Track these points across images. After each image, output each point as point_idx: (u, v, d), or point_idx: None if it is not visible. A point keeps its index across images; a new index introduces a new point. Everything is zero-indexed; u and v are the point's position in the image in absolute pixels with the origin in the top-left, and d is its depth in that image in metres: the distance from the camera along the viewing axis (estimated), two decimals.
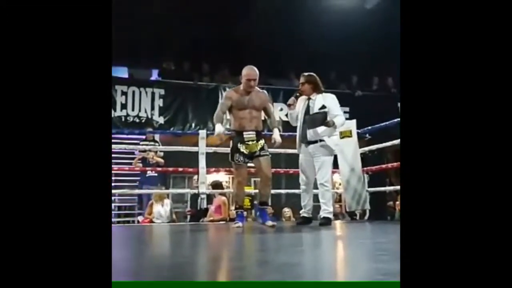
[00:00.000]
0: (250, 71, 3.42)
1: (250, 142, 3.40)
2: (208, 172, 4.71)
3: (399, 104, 8.08)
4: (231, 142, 3.47)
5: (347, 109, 7.92)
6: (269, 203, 3.36)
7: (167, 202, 5.71)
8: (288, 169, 5.37)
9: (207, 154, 4.57)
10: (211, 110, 7.48)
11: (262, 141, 3.45)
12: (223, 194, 5.62)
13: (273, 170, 4.93)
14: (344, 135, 4.59)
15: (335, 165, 5.40)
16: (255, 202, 6.88)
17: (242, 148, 3.39)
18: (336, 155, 4.81)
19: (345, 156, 4.67)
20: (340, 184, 5.33)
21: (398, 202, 6.72)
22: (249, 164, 3.51)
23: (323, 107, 3.53)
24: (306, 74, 3.69)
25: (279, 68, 8.57)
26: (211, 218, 5.36)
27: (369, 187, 4.79)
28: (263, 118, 3.56)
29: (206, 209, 5.49)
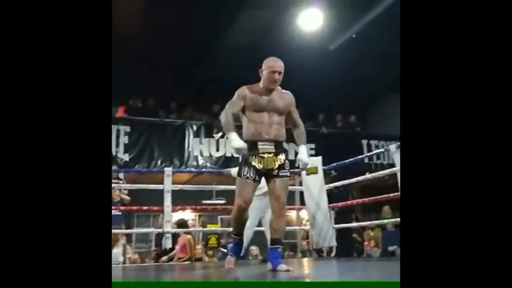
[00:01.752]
0: (274, 62, 2.68)
1: (266, 155, 2.61)
2: (173, 210, 4.61)
3: (363, 141, 8.26)
4: (240, 157, 2.69)
5: (313, 145, 8.03)
6: (282, 241, 2.63)
7: (122, 243, 5.51)
8: None
9: (173, 191, 4.49)
10: (178, 147, 7.54)
11: (282, 156, 2.65)
12: (189, 233, 5.51)
13: None
14: (310, 171, 4.63)
15: (302, 201, 5.43)
16: (222, 240, 6.77)
17: (254, 162, 2.59)
18: (303, 192, 4.85)
19: (311, 192, 4.70)
20: (307, 221, 5.33)
21: (366, 243, 6.75)
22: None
23: None
24: None
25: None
26: (177, 258, 5.22)
27: (335, 223, 4.80)
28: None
29: (171, 249, 5.35)
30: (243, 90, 2.70)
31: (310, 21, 7.04)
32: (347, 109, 8.73)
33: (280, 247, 2.64)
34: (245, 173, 2.60)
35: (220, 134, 7.43)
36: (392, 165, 4.20)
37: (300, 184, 5.16)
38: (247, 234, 3.63)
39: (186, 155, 7.22)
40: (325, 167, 4.85)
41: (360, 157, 4.49)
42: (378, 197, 4.36)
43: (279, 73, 2.65)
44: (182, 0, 6.27)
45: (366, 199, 4.72)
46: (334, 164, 5.05)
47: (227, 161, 7.40)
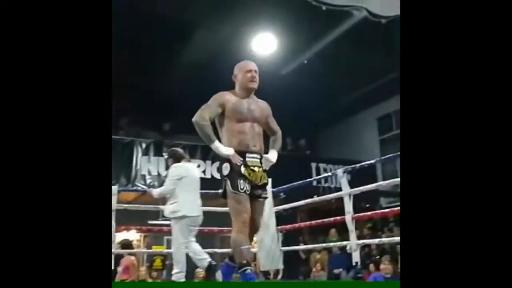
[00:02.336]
0: (246, 62, 2.59)
1: (256, 169, 2.43)
2: (117, 230, 4.44)
3: (312, 164, 8.39)
4: (226, 166, 2.43)
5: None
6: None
7: None
8: (203, 227, 5.25)
9: (118, 211, 4.33)
10: (125, 165, 7.31)
11: (266, 175, 2.52)
12: (133, 254, 5.31)
13: None
14: None
15: None
16: (167, 262, 6.58)
17: (247, 173, 2.39)
18: None
19: None
20: (255, 243, 5.30)
21: (314, 269, 6.78)
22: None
23: None
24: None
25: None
26: (119, 280, 5.00)
27: (283, 246, 4.80)
28: None
29: (114, 270, 5.13)
30: (222, 96, 2.50)
31: (264, 45, 7.16)
32: (297, 132, 8.87)
33: (248, 268, 2.32)
34: (242, 186, 2.35)
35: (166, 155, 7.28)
36: (339, 189, 4.28)
37: None
38: (181, 258, 3.58)
39: (133, 173, 7.02)
40: (274, 190, 4.87)
41: (308, 180, 4.54)
42: (325, 220, 4.42)
43: (255, 71, 2.53)
44: (137, 16, 6.19)
45: (313, 222, 4.77)
46: (284, 186, 5.09)
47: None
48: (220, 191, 2.50)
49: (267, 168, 2.55)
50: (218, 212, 5.24)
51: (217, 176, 9.25)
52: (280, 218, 4.91)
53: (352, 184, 3.94)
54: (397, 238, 4.75)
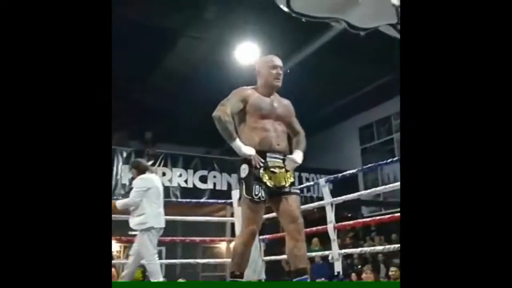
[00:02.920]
0: (272, 57, 2.40)
1: (277, 170, 2.23)
2: None
3: (294, 173, 8.41)
4: (245, 168, 2.22)
5: None
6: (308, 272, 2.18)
7: None
8: (184, 237, 5.19)
9: None
10: None
11: (292, 174, 2.32)
12: (112, 265, 5.21)
13: (168, 238, 4.73)
14: None
15: (233, 233, 5.36)
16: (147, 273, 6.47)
17: (265, 178, 2.19)
18: (233, 223, 4.79)
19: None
20: None
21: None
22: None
23: None
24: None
25: (178, 133, 8.56)
26: None
27: (265, 255, 4.78)
28: None
29: None
30: (244, 90, 2.34)
31: (247, 55, 7.18)
32: None
33: (308, 277, 2.17)
34: (256, 193, 2.14)
35: (151, 162, 7.23)
36: (321, 198, 4.29)
37: (232, 215, 5.11)
38: (156, 268, 3.57)
39: (114, 182, 6.92)
40: None
41: None
42: (307, 229, 4.41)
43: (281, 67, 2.37)
44: (119, 24, 6.15)
45: None
46: None
47: None
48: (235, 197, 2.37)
49: (290, 170, 2.32)
50: (199, 222, 5.20)
51: (199, 185, 9.23)
52: (263, 227, 4.89)
53: (334, 193, 3.96)
54: (379, 248, 4.78)
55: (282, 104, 2.39)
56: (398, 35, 1.61)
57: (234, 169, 8.18)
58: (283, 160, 2.28)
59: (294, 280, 2.18)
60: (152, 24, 6.17)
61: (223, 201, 5.33)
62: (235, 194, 4.66)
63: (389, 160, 4.10)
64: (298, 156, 2.36)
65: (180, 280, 6.10)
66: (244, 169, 2.22)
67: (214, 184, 7.77)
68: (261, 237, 4.72)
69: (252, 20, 6.14)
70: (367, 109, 9.03)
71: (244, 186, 2.19)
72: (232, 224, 5.08)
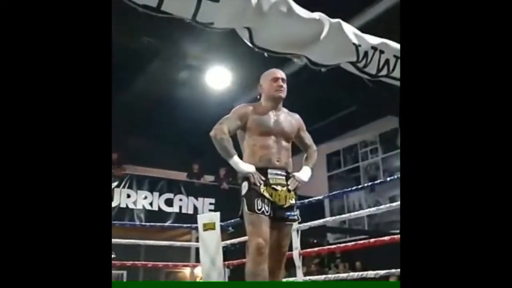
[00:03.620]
0: (273, 70, 2.38)
1: (279, 188, 2.17)
2: None
3: None
4: (245, 186, 2.18)
5: (212, 200, 7.96)
6: None
7: None
8: (146, 261, 5.06)
9: None
10: None
11: (294, 195, 2.24)
12: None
13: (130, 262, 4.60)
14: (208, 227, 4.55)
15: (197, 258, 5.26)
16: None
17: (267, 193, 2.13)
18: (198, 248, 4.71)
19: (207, 249, 4.59)
20: (200, 279, 5.16)
21: None
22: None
23: None
24: None
25: (145, 155, 8.44)
26: None
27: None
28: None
29: None
30: (244, 108, 2.31)
31: (218, 79, 7.23)
32: None
33: None
34: (259, 207, 2.08)
35: (116, 183, 7.08)
36: None
37: (197, 240, 5.04)
38: None
39: None
40: (222, 223, 4.81)
41: None
42: None
43: (283, 79, 2.33)
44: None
45: None
46: (232, 220, 5.04)
47: (121, 213, 7.02)
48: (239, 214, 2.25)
49: (294, 189, 2.25)
50: (163, 246, 5.09)
51: (165, 208, 9.06)
52: (228, 253, 4.84)
53: (300, 220, 3.96)
54: (343, 275, 4.78)
55: (288, 119, 2.34)
56: (357, 72, 1.68)
57: (201, 193, 8.12)
58: (286, 177, 2.22)
59: None
60: (124, 45, 6.14)
61: (188, 225, 5.25)
62: (201, 218, 4.62)
63: (354, 188, 4.16)
64: (303, 173, 2.32)
65: None
66: (245, 187, 2.17)
67: (180, 208, 7.68)
68: (226, 262, 4.66)
69: (223, 47, 6.22)
70: (335, 137, 9.19)
71: (245, 203, 2.14)
72: (197, 249, 5.00)
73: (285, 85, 2.34)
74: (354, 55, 1.59)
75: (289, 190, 2.21)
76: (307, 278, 3.90)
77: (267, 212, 2.11)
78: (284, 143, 2.25)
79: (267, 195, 2.13)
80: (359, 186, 4.20)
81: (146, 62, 6.77)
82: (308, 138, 2.45)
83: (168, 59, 6.71)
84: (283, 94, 2.34)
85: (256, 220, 2.09)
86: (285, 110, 2.39)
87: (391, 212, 8.01)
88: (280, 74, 2.36)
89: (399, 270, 3.36)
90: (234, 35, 1.66)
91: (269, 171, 2.18)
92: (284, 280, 5.20)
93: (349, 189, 4.30)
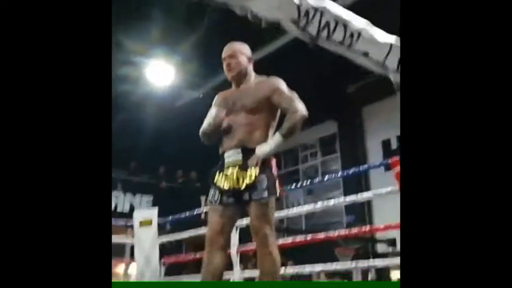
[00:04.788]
0: (224, 48, 2.10)
1: (230, 170, 1.93)
2: None
3: (201, 197, 8.38)
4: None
5: (151, 197, 7.83)
6: None
7: None
8: None
9: None
10: None
11: (255, 171, 1.89)
12: None
13: None
14: (144, 223, 4.46)
15: (132, 255, 5.14)
16: None
17: (219, 181, 1.95)
18: (133, 245, 4.60)
19: (142, 245, 4.49)
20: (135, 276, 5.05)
21: None
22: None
23: None
24: None
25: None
26: None
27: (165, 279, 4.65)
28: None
29: None
30: (217, 96, 2.16)
31: (160, 75, 7.12)
32: (188, 165, 8.82)
33: None
34: (210, 198, 1.95)
35: None
36: None
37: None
38: None
39: None
40: (160, 220, 4.74)
41: (196, 212, 4.52)
42: None
43: (229, 56, 2.04)
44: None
45: (198, 255, 4.70)
46: (170, 217, 4.98)
47: None
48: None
49: (254, 165, 1.90)
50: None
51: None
52: (164, 250, 4.78)
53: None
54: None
55: (252, 89, 2.03)
56: (299, 31, 1.68)
57: (138, 189, 7.94)
58: (242, 154, 1.94)
59: None
60: None
61: (123, 223, 5.14)
62: (137, 214, 4.53)
63: (293, 186, 4.27)
64: (264, 145, 1.93)
65: None
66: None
67: (116, 205, 7.49)
68: (162, 260, 4.60)
69: (168, 41, 6.14)
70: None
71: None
72: (132, 247, 4.89)
73: (234, 60, 2.04)
74: (295, 12, 1.60)
75: (244, 169, 1.91)
76: (244, 275, 3.92)
77: (216, 201, 1.94)
78: (244, 116, 1.97)
79: (221, 182, 1.94)
80: (298, 186, 4.30)
81: None
82: (285, 101, 1.98)
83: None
84: (232, 73, 2.07)
85: (210, 212, 1.97)
86: (258, 79, 2.10)
87: (327, 213, 8.30)
88: (225, 52, 2.08)
89: (328, 266, 3.45)
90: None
91: (225, 154, 1.97)
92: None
93: (288, 187, 4.40)
